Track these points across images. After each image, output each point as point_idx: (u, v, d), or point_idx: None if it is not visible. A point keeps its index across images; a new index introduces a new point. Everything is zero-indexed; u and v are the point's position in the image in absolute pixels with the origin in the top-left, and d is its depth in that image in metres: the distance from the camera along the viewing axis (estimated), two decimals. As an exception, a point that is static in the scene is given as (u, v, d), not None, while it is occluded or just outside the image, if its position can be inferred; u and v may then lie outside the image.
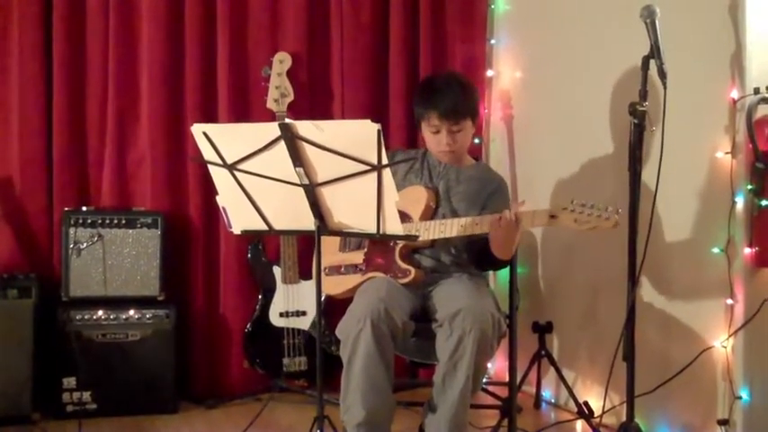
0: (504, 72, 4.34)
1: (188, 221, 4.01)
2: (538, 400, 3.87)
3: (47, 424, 3.52)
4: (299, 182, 2.51)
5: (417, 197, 3.11)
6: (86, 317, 3.65)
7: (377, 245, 3.11)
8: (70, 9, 3.87)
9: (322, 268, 3.11)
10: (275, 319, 3.92)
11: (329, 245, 3.18)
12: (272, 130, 2.42)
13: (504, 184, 3.27)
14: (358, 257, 3.15)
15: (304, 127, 2.41)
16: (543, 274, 4.07)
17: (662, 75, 2.71)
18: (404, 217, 2.98)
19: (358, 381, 2.81)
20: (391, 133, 4.14)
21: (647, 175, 2.83)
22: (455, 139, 3.13)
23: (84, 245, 3.73)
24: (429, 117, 3.13)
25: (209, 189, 3.54)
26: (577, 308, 3.82)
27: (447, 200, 3.15)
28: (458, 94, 3.13)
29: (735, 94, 2.95)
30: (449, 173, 3.20)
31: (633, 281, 2.82)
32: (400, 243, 3.04)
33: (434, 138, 3.15)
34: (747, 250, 2.95)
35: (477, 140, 4.28)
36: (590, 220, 2.66)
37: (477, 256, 3.07)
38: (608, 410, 3.19)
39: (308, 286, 3.89)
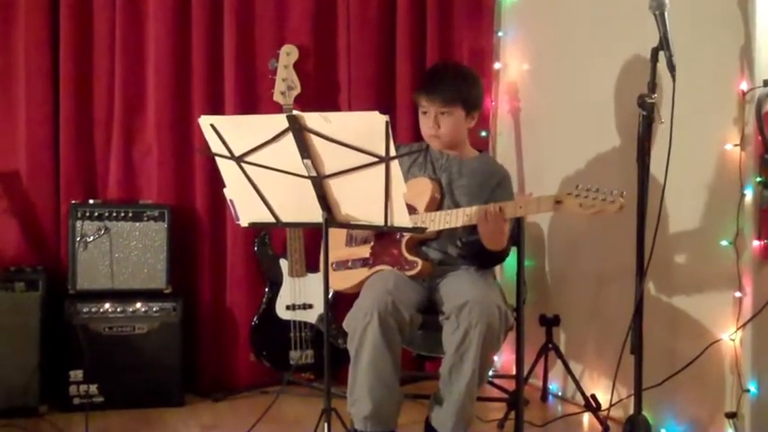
0: (512, 64, 4.33)
1: (195, 214, 4.01)
2: (545, 392, 3.87)
3: (54, 416, 3.52)
4: (306, 174, 2.51)
5: (422, 189, 3.10)
6: (93, 310, 3.65)
7: (383, 238, 3.10)
8: (77, 2, 3.87)
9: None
10: (282, 313, 3.92)
11: (335, 240, 3.17)
12: (280, 121, 2.42)
13: (508, 178, 3.25)
14: (365, 251, 3.14)
15: (312, 119, 2.40)
16: (550, 267, 4.06)
17: (671, 67, 2.69)
18: (409, 209, 2.94)
19: (365, 374, 2.82)
20: (398, 125, 4.12)
21: (656, 168, 2.81)
22: (439, 122, 3.12)
23: (91, 238, 3.73)
24: (420, 98, 3.16)
25: (215, 182, 3.53)
26: (585, 301, 3.81)
27: (450, 193, 3.14)
28: (449, 79, 3.15)
29: (744, 85, 2.93)
30: (451, 165, 3.19)
31: (641, 273, 2.80)
32: (407, 235, 3.04)
33: (424, 120, 3.17)
34: (756, 243, 2.93)
35: (483, 133, 4.28)
36: (595, 204, 2.65)
37: (475, 254, 3.06)
38: (615, 403, 3.18)
39: (315, 279, 3.88)
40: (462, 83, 3.17)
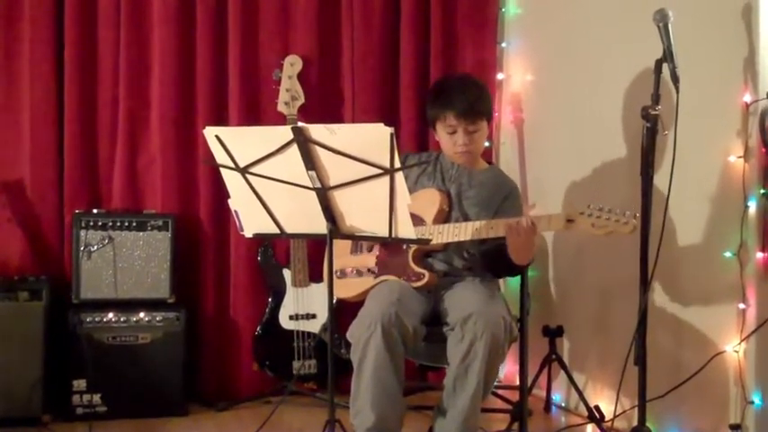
0: (515, 75, 4.34)
1: (198, 224, 4.01)
2: (548, 403, 3.86)
3: (57, 426, 3.52)
4: (311, 185, 2.51)
5: (431, 200, 3.10)
6: (97, 319, 3.66)
7: (389, 248, 3.10)
8: (82, 12, 3.89)
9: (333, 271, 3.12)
10: (285, 322, 3.92)
11: (340, 248, 3.17)
12: (285, 133, 2.42)
13: (517, 191, 3.26)
14: (370, 260, 3.14)
15: (317, 130, 2.41)
16: (554, 278, 4.06)
17: (675, 79, 2.70)
18: (417, 220, 2.97)
19: (368, 384, 2.81)
20: (402, 136, 4.12)
21: (660, 179, 2.82)
22: (472, 140, 3.13)
23: (95, 247, 3.73)
24: (446, 117, 3.13)
25: (219, 191, 3.56)
26: (588, 312, 3.81)
27: (458, 204, 3.14)
28: (474, 94, 3.14)
29: (747, 97, 2.93)
30: (461, 176, 3.19)
31: (645, 285, 2.81)
32: (413, 246, 3.04)
33: (450, 138, 3.15)
34: (760, 255, 2.93)
35: (487, 143, 4.25)
36: (608, 225, 2.65)
37: (492, 263, 3.06)
38: (619, 415, 3.17)
39: (318, 289, 3.88)
40: (484, 97, 3.19)
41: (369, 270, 3.13)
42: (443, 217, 3.09)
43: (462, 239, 2.94)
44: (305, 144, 2.43)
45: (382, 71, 4.23)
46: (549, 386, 3.84)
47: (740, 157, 2.96)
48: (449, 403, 2.86)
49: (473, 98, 3.12)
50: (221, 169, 2.61)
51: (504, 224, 2.83)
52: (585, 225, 2.68)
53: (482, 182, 3.18)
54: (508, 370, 4.23)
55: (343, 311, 3.47)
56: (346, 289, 3.18)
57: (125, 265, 3.77)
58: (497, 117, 4.37)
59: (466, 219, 3.07)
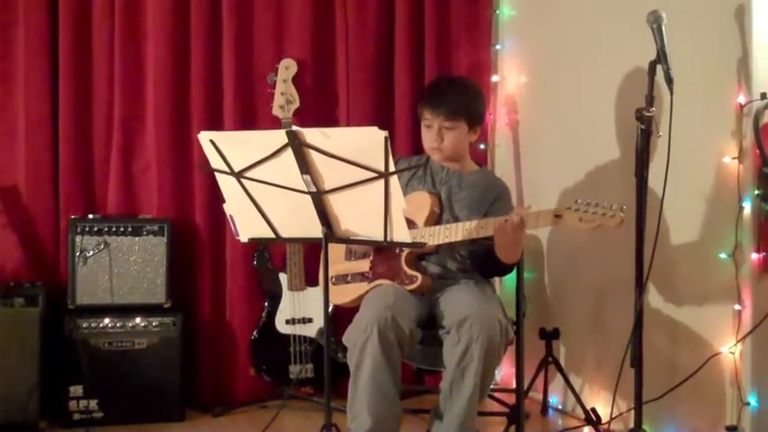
0: (510, 77, 4.34)
1: (194, 229, 4.00)
2: (545, 406, 3.86)
3: (53, 432, 3.53)
4: (306, 189, 2.51)
5: (421, 203, 3.11)
6: (93, 325, 3.65)
7: (382, 252, 3.10)
8: (76, 18, 3.88)
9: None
10: (281, 327, 3.91)
11: (334, 254, 3.17)
12: (280, 137, 2.42)
13: (507, 192, 3.26)
14: (364, 265, 3.14)
15: (311, 134, 2.41)
16: (550, 280, 4.06)
17: (668, 80, 2.71)
18: (408, 223, 2.95)
19: (365, 388, 2.81)
20: (396, 139, 4.12)
21: (654, 181, 2.82)
22: (442, 136, 3.13)
23: (91, 253, 3.72)
24: (423, 111, 3.17)
25: (215, 196, 3.55)
26: (584, 314, 3.81)
27: (449, 207, 3.15)
28: (455, 93, 3.16)
29: (741, 98, 2.94)
30: (451, 179, 3.19)
31: (641, 286, 2.81)
32: (406, 250, 3.04)
33: (427, 133, 3.17)
34: (755, 255, 2.94)
35: (482, 146, 4.27)
36: (595, 219, 2.64)
37: (481, 263, 3.07)
38: (615, 417, 3.17)
39: (315, 293, 3.88)
40: (466, 97, 3.18)
41: (363, 275, 3.13)
42: (434, 219, 3.09)
43: (453, 240, 2.94)
44: (299, 148, 2.43)
45: (377, 74, 4.22)
46: (546, 389, 3.84)
47: (734, 158, 2.96)
48: (445, 406, 2.86)
49: (451, 97, 3.14)
50: (216, 174, 2.61)
51: (493, 223, 2.84)
52: (573, 220, 2.68)
53: (472, 184, 3.18)
54: (505, 373, 4.23)
55: (340, 316, 3.47)
56: (341, 295, 3.18)
57: (121, 270, 3.76)
58: (492, 119, 4.37)
59: (457, 221, 3.06)
